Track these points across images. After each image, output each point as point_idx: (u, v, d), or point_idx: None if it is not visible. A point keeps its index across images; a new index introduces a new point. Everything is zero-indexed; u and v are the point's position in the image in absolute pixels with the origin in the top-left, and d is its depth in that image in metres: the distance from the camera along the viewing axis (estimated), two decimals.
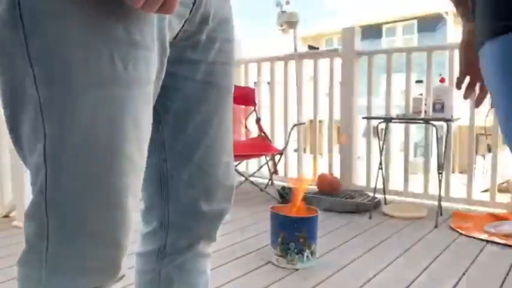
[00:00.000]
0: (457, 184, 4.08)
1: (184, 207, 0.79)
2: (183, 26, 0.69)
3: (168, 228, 0.80)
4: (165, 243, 0.80)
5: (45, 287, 0.61)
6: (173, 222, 0.80)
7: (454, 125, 2.80)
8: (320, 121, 3.60)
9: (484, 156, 14.04)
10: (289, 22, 3.34)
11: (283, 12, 3.36)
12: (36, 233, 0.61)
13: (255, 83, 3.87)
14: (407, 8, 20.54)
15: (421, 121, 2.57)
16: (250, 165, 3.87)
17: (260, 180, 3.40)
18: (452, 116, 2.49)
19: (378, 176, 2.72)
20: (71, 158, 0.58)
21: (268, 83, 3.73)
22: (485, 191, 2.83)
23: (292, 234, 1.78)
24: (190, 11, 0.69)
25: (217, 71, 0.77)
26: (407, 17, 19.84)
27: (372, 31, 20.45)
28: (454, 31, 18.70)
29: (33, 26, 0.55)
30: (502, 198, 2.87)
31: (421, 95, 2.68)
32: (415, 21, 19.63)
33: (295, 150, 3.66)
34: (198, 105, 0.76)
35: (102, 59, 0.57)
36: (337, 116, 3.29)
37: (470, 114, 2.79)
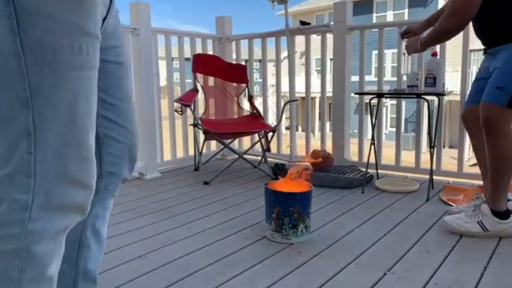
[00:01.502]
0: (447, 158, 4.13)
1: (116, 158, 1.05)
2: (103, 21, 0.91)
3: (104, 176, 1.05)
4: (100, 188, 1.04)
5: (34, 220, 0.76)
6: (108, 171, 1.05)
7: (444, 100, 2.82)
8: (312, 98, 3.59)
9: None
10: None
11: None
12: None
13: (246, 60, 3.84)
14: None
15: (413, 96, 2.57)
16: (243, 143, 3.88)
17: (253, 158, 3.41)
18: (445, 90, 2.50)
19: (370, 151, 2.73)
20: (58, 123, 0.76)
21: (260, 60, 3.70)
22: (474, 165, 2.86)
23: (286, 209, 1.80)
24: (108, 11, 0.93)
25: (121, 52, 1.03)
26: None
27: (363, 6, 20.25)
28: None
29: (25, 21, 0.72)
30: None
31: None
32: None
33: (287, 128, 3.67)
34: (114, 79, 1.02)
35: (79, 48, 0.77)
36: (330, 93, 3.29)
37: (460, 89, 2.79)
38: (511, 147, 1.81)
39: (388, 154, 3.32)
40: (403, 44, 2.31)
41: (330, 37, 3.26)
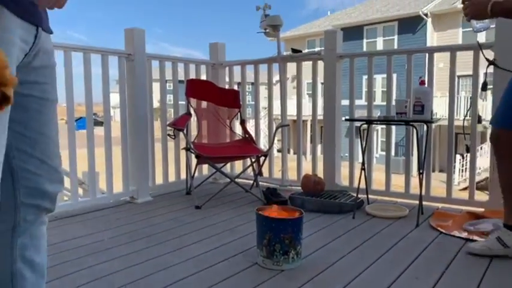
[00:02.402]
0: (437, 183, 4.18)
1: (32, 190, 1.05)
2: (24, 56, 0.94)
3: (20, 208, 1.04)
4: (18, 220, 1.04)
5: None
6: (24, 202, 1.04)
7: (434, 124, 2.88)
8: (304, 121, 3.64)
9: (463, 155, 14.34)
10: (272, 26, 3.36)
11: (266, 15, 3.39)
12: None
13: (238, 83, 3.89)
14: (388, 10, 20.84)
15: (402, 123, 2.62)
16: (235, 166, 3.90)
17: (245, 182, 3.43)
18: (432, 117, 2.56)
19: (360, 177, 2.77)
20: None
21: (253, 83, 3.75)
22: (465, 189, 2.90)
23: (278, 235, 1.81)
24: (30, 48, 0.95)
25: (48, 89, 1.05)
26: (388, 19, 20.09)
27: (354, 32, 20.66)
28: (433, 33, 19.00)
29: None
30: (481, 196, 2.95)
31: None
32: (395, 23, 19.90)
33: (279, 151, 3.70)
34: (35, 114, 1.03)
35: None
36: (320, 116, 3.34)
37: (449, 115, 2.86)
38: None
39: (379, 177, 3.35)
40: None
41: (320, 64, 3.33)
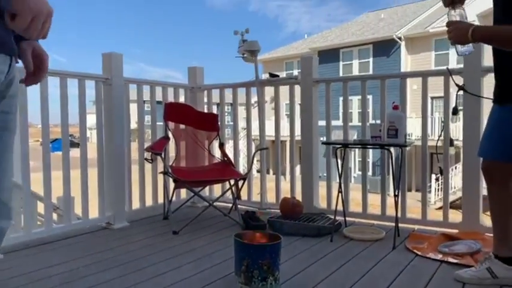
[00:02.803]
0: (414, 202, 4.25)
1: None
2: None
3: None
4: None
5: None
6: None
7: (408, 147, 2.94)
8: (282, 141, 3.68)
9: (438, 175, 14.63)
10: (250, 51, 3.42)
11: (244, 41, 3.45)
12: None
13: (217, 104, 3.90)
14: (363, 33, 21.41)
15: (377, 146, 2.68)
16: (213, 189, 3.88)
17: (224, 205, 3.42)
18: (405, 141, 2.63)
19: (337, 199, 2.80)
20: None
21: (231, 104, 3.77)
22: (441, 208, 2.96)
23: (256, 261, 1.81)
24: (5, 77, 0.96)
25: (10, 119, 1.04)
26: (363, 42, 20.61)
27: (330, 55, 21.12)
28: (407, 56, 19.57)
29: None
30: (455, 217, 3.01)
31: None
32: (370, 46, 20.44)
33: (258, 171, 3.70)
34: None
35: None
36: (299, 136, 3.38)
37: (422, 139, 2.93)
38: None
39: (357, 197, 3.35)
40: (452, 13, 1.80)
41: (298, 87, 3.38)
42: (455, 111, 2.60)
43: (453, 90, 2.68)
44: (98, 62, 3.09)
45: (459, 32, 1.70)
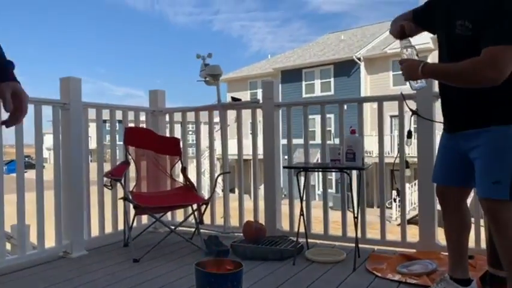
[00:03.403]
0: (376, 218, 4.34)
1: None
2: None
3: None
4: None
5: None
6: None
7: (373, 161, 3.01)
8: (246, 160, 3.68)
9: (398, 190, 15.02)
10: (212, 75, 3.45)
11: (206, 65, 3.48)
12: None
13: (180, 122, 3.88)
14: (324, 54, 21.98)
15: (336, 169, 2.75)
16: (176, 214, 3.83)
17: (186, 230, 3.38)
18: (363, 164, 2.71)
19: (299, 222, 2.83)
20: None
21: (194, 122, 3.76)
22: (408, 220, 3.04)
23: None
24: None
25: None
26: (324, 62, 21.15)
27: (293, 75, 21.53)
28: (366, 76, 20.22)
29: None
30: (415, 232, 3.08)
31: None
32: (331, 67, 20.99)
33: (222, 190, 3.69)
34: None
35: None
36: (260, 155, 3.40)
37: (379, 158, 3.03)
38: None
39: (320, 215, 3.29)
40: (403, 51, 1.89)
41: (260, 110, 3.42)
42: (409, 135, 2.70)
43: (407, 114, 2.79)
44: (57, 83, 3.04)
45: (411, 69, 1.80)
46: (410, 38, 1.93)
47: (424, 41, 15.67)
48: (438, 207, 2.16)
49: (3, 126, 1.18)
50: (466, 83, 1.70)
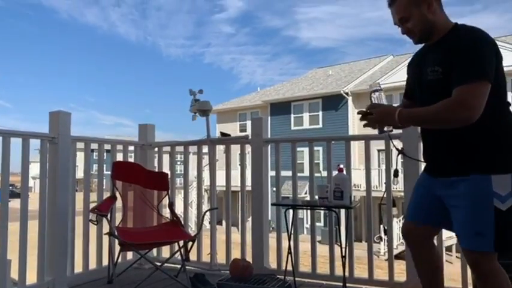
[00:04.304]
0: (365, 253, 4.31)
1: None
2: None
3: None
4: None
5: None
6: None
7: (360, 195, 3.02)
8: (234, 192, 3.67)
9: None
10: (202, 110, 3.49)
11: (196, 100, 3.52)
12: None
13: (169, 152, 3.87)
14: (313, 88, 22.34)
15: (324, 208, 2.76)
16: (161, 250, 3.77)
17: (172, 266, 3.32)
18: (351, 202, 2.72)
19: (287, 261, 2.81)
20: None
21: (181, 161, 3.75)
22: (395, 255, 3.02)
23: None
24: None
25: None
26: (312, 96, 21.48)
27: (282, 107, 21.78)
28: (354, 110, 20.52)
29: None
30: (401, 273, 3.07)
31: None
32: (320, 100, 21.29)
33: (210, 222, 3.65)
34: None
35: None
36: (249, 186, 3.40)
37: (366, 188, 3.04)
38: (507, 283, 1.71)
39: (308, 248, 3.22)
40: (371, 95, 1.96)
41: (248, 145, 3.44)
42: (395, 174, 2.73)
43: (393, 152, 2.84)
44: (47, 111, 3.04)
45: (386, 116, 1.82)
46: (379, 82, 2.01)
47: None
48: None
49: None
50: (441, 124, 1.72)
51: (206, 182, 3.81)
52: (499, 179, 1.66)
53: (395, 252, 3.10)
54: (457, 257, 13.40)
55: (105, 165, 3.44)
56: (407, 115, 1.80)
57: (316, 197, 2.88)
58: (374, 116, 1.85)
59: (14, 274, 3.04)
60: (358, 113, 1.90)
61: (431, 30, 1.81)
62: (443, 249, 2.98)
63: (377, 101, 1.93)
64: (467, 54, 1.67)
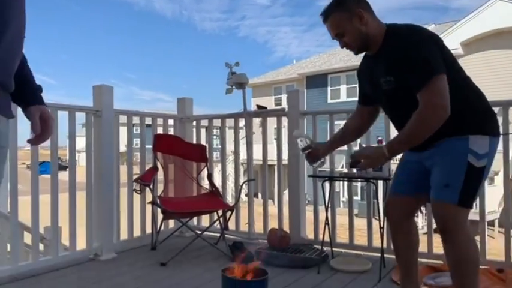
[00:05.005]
0: None
1: None
2: None
3: None
4: None
5: None
6: None
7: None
8: (271, 165, 3.71)
9: None
10: (238, 83, 3.51)
11: (233, 73, 3.54)
12: None
13: (206, 127, 3.94)
14: (350, 59, 21.77)
15: (362, 180, 2.75)
16: (201, 219, 3.89)
17: (212, 235, 3.43)
18: (390, 174, 2.70)
19: (324, 231, 2.84)
20: None
21: (220, 127, 3.81)
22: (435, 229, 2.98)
23: None
24: None
25: None
26: (350, 68, 20.96)
27: (318, 80, 21.43)
28: None
29: None
30: (440, 247, 3.05)
31: None
32: None
33: (246, 195, 3.73)
34: None
35: None
36: (285, 160, 3.43)
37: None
38: (473, 248, 1.74)
39: (345, 222, 3.28)
40: (298, 142, 2.23)
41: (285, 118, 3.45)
42: None
43: None
44: (89, 87, 3.15)
45: (376, 160, 1.85)
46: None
47: (454, 46, 15.42)
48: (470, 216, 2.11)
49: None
50: (427, 134, 1.72)
51: (242, 156, 3.85)
52: (476, 139, 1.72)
53: (434, 226, 3.06)
54: (499, 231, 13.06)
55: (145, 140, 3.55)
56: (395, 146, 1.81)
57: (354, 170, 2.87)
58: (364, 164, 1.90)
59: (65, 241, 3.24)
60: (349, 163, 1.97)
61: (367, 42, 1.87)
62: (486, 224, 2.91)
63: (303, 143, 2.19)
64: (411, 60, 1.72)
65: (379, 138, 2.73)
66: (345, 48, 1.93)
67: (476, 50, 16.47)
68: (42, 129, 1.22)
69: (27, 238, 3.25)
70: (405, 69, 1.74)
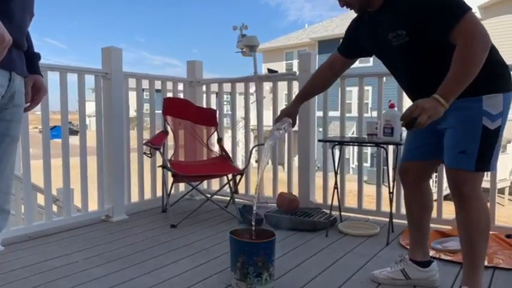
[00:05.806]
0: None
1: None
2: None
3: None
4: None
5: None
6: None
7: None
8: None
9: None
10: (249, 46, 3.44)
11: (243, 36, 3.47)
12: None
13: (216, 93, 3.92)
14: None
15: (373, 144, 2.72)
16: (211, 183, 3.93)
17: (222, 198, 3.47)
18: (401, 139, 2.67)
19: (333, 196, 2.85)
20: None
21: (230, 93, 3.78)
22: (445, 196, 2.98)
23: (251, 258, 1.86)
24: (6, 90, 1.04)
25: (12, 126, 1.11)
26: None
27: (331, 45, 20.97)
28: None
29: None
30: (452, 209, 3.05)
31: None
32: None
33: (257, 161, 3.73)
34: None
35: None
36: (296, 127, 3.40)
37: None
38: (486, 216, 1.70)
39: (354, 188, 3.29)
40: (274, 133, 2.14)
41: (296, 82, 3.40)
42: None
43: None
44: (99, 52, 3.12)
45: (434, 111, 1.52)
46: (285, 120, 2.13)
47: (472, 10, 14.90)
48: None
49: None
50: (480, 62, 1.53)
51: (252, 122, 3.83)
52: (489, 99, 1.62)
53: (444, 193, 3.05)
54: (509, 199, 13.03)
55: (155, 105, 3.54)
56: (454, 92, 1.55)
57: (365, 135, 2.85)
58: (423, 120, 1.52)
59: (77, 203, 3.30)
60: (402, 125, 1.63)
61: None
62: (496, 191, 2.89)
63: (280, 136, 2.12)
64: (433, 6, 1.58)
65: (392, 102, 2.69)
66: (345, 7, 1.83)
67: (495, 14, 15.94)
68: (33, 98, 1.24)
69: (41, 199, 3.32)
70: (430, 17, 1.59)
